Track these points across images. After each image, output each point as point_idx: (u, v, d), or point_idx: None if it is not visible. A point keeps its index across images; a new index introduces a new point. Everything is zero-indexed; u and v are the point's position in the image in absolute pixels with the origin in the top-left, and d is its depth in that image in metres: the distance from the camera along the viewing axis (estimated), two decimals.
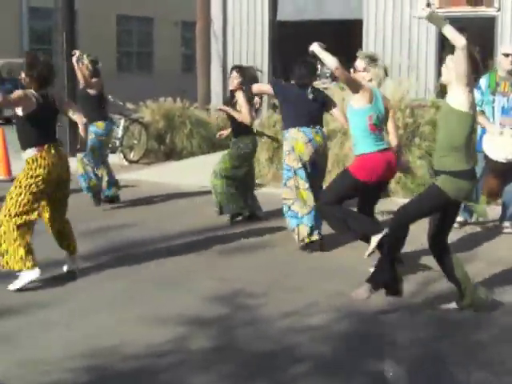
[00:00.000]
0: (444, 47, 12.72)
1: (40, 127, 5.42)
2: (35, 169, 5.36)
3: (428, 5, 5.12)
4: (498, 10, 12.52)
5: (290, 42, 14.69)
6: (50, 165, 5.39)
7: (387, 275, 4.82)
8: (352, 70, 5.64)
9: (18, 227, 5.35)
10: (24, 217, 5.37)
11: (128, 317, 4.83)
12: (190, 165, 11.23)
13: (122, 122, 11.77)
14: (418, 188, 8.68)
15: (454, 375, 4.06)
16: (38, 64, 5.47)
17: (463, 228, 7.27)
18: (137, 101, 12.53)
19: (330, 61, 5.40)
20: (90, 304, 5.09)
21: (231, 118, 7.45)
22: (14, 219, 5.36)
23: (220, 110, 8.03)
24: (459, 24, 12.24)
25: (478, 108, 6.71)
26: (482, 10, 12.68)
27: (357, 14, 13.54)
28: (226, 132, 7.91)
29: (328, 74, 14.52)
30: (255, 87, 6.92)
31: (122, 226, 7.43)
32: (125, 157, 11.60)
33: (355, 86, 5.45)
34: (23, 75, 5.49)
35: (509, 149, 6.45)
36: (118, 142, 11.46)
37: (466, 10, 12.77)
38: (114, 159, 11.38)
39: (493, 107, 6.83)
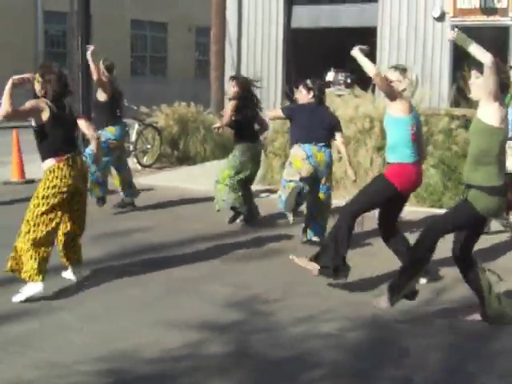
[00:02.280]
0: (458, 56, 12.72)
1: (57, 137, 5.36)
2: (52, 179, 5.33)
3: (454, 28, 5.12)
4: None
5: (304, 50, 14.74)
6: (67, 176, 5.35)
7: (408, 287, 4.90)
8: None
9: (34, 238, 5.32)
10: (40, 228, 5.33)
11: (142, 322, 4.86)
12: (203, 170, 11.27)
13: (136, 126, 11.82)
14: (430, 196, 8.69)
15: None
16: (53, 74, 5.39)
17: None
18: (150, 106, 12.59)
19: (369, 67, 5.46)
20: (104, 308, 5.12)
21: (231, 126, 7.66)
22: (31, 229, 5.34)
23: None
24: (474, 33, 12.22)
25: None
26: (497, 20, 12.67)
27: (371, 21, 13.55)
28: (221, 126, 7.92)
29: (342, 81, 14.55)
30: (270, 114, 7.49)
31: (134, 230, 7.46)
32: (138, 161, 11.65)
33: (393, 94, 5.48)
34: (38, 86, 5.38)
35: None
36: (131, 147, 11.52)
37: (480, 20, 12.76)
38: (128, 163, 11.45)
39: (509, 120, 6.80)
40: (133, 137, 11.68)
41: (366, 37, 13.89)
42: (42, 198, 5.34)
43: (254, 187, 9.54)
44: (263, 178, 10.03)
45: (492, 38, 13.11)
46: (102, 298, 5.35)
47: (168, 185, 10.11)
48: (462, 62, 11.54)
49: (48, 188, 5.34)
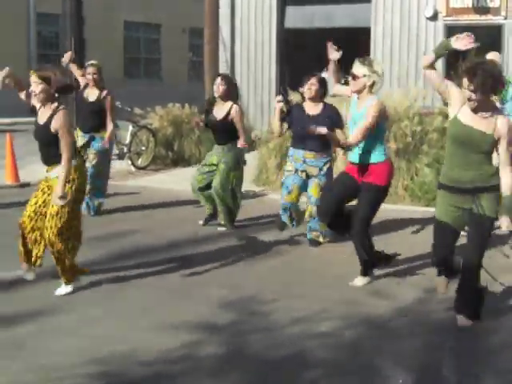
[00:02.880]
0: (452, 55, 12.75)
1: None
2: (78, 177, 5.39)
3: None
4: (505, 18, 12.55)
5: (297, 50, 14.76)
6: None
7: (478, 302, 4.87)
8: (351, 78, 5.64)
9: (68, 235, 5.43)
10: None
11: (139, 324, 4.86)
12: None
13: (130, 128, 11.81)
14: (425, 195, 8.71)
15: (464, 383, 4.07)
16: (56, 79, 5.37)
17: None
18: (144, 107, 12.57)
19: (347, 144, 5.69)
20: (100, 311, 5.12)
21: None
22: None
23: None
24: (467, 31, 12.20)
25: None
26: (489, 19, 12.72)
27: (365, 22, 13.58)
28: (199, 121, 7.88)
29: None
30: None
31: (129, 233, 7.45)
32: (132, 163, 11.64)
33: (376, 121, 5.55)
34: (39, 91, 5.31)
35: None
36: (125, 149, 11.50)
37: (472, 19, 12.81)
38: (122, 165, 11.45)
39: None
40: (127, 139, 11.67)
41: (360, 37, 13.95)
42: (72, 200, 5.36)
43: (249, 187, 9.57)
44: (257, 178, 10.03)
45: (485, 37, 13.13)
46: (97, 301, 5.34)
47: (163, 187, 10.10)
48: (455, 61, 11.59)
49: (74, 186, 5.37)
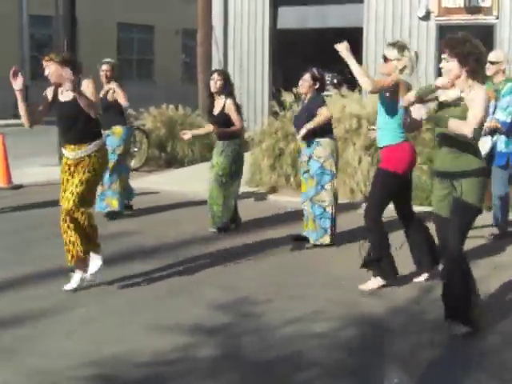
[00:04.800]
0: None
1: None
2: (103, 157, 5.58)
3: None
4: (497, 17, 12.60)
5: (290, 50, 14.77)
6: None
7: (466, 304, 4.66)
8: (382, 60, 5.66)
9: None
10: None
11: (133, 326, 4.85)
12: (191, 172, 11.26)
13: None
14: (419, 194, 8.71)
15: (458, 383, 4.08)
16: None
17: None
18: (137, 108, 12.56)
19: (357, 73, 5.35)
20: (94, 313, 5.11)
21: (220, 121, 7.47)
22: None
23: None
24: (458, 32, 12.24)
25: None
26: (481, 18, 12.75)
27: (357, 22, 13.61)
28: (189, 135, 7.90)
29: (328, 82, 14.57)
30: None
31: (123, 234, 7.44)
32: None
33: (389, 88, 5.42)
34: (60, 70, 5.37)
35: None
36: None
37: (465, 18, 12.85)
38: None
39: None
40: None
41: (352, 37, 13.97)
42: (99, 175, 5.58)
43: (242, 188, 9.56)
44: (251, 179, 10.03)
45: (477, 37, 13.15)
46: (91, 302, 5.33)
47: (156, 188, 10.09)
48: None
49: (100, 166, 5.54)
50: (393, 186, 5.58)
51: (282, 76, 15.02)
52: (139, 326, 4.81)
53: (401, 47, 5.55)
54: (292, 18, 14.35)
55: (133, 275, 5.97)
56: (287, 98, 10.53)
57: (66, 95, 5.48)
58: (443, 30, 13.15)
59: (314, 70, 6.90)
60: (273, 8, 14.29)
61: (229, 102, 7.42)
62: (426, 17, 13.00)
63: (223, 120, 7.43)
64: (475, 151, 4.62)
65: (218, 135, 7.59)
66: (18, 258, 6.49)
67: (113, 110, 8.18)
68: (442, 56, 4.66)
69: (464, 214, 4.58)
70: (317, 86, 6.85)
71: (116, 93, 8.27)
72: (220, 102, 7.48)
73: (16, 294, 5.50)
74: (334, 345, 4.54)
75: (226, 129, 7.46)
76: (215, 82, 7.43)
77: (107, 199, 8.20)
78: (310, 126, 6.63)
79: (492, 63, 6.85)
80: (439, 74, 13.54)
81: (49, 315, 5.03)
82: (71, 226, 5.42)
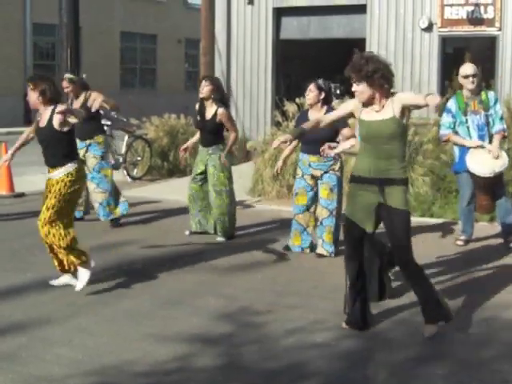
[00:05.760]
0: (447, 66, 12.81)
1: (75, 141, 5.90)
2: (75, 181, 5.68)
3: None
4: (499, 29, 12.61)
5: (293, 61, 14.80)
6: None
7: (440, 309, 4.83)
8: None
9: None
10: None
11: (133, 335, 4.84)
12: None
13: (126, 138, 11.81)
14: (420, 205, 8.72)
15: None
16: (48, 82, 5.71)
17: (467, 245, 7.31)
18: (140, 117, 12.59)
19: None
20: (93, 322, 5.09)
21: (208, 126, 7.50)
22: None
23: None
24: (461, 43, 12.31)
25: (450, 130, 6.95)
26: (484, 30, 12.77)
27: (360, 33, 13.64)
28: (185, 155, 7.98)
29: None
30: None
31: (124, 243, 7.43)
32: (128, 173, 11.63)
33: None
34: (34, 94, 5.65)
35: (490, 162, 6.72)
36: (121, 159, 11.50)
37: (467, 30, 12.87)
38: (118, 176, 11.44)
39: (467, 127, 6.99)
40: (123, 149, 11.67)
41: (355, 48, 14.01)
42: (66, 200, 5.63)
43: (244, 198, 9.56)
44: (253, 189, 10.03)
45: (479, 48, 13.23)
46: (91, 311, 5.32)
47: (158, 197, 10.09)
48: (450, 72, 11.64)
49: (71, 188, 5.64)
50: None
51: (285, 86, 15.06)
52: (139, 336, 4.80)
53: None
54: (295, 28, 14.39)
55: (131, 285, 5.96)
56: (290, 108, 10.55)
57: (42, 121, 5.73)
58: (446, 42, 13.19)
59: (320, 81, 6.85)
60: (276, 18, 14.33)
61: (221, 110, 7.43)
62: (429, 28, 13.03)
63: (214, 126, 7.47)
64: (404, 162, 4.76)
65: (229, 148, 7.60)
66: (18, 265, 6.48)
67: (93, 119, 8.15)
68: (353, 80, 4.75)
69: (402, 220, 4.71)
70: (322, 97, 6.78)
71: (96, 100, 8.05)
72: (211, 109, 7.49)
73: (16, 300, 5.50)
74: (334, 355, 4.52)
75: (230, 142, 7.57)
76: (202, 88, 7.46)
77: (109, 207, 8.20)
78: (338, 150, 6.18)
79: (474, 76, 6.93)
80: (442, 84, 13.55)
81: (48, 323, 5.02)
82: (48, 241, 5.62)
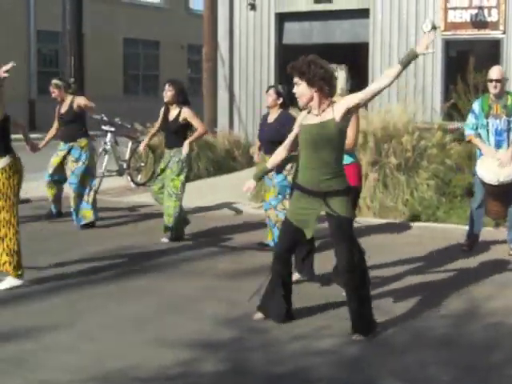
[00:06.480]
0: (450, 69, 12.78)
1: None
2: (15, 173, 5.88)
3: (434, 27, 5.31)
4: (504, 32, 12.57)
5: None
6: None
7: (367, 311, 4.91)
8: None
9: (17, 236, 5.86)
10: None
11: (137, 340, 4.81)
12: (196, 187, 11.23)
13: (130, 144, 11.81)
14: (424, 210, 8.68)
15: None
16: None
17: (472, 250, 7.28)
18: (143, 123, 12.58)
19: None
20: (97, 327, 5.07)
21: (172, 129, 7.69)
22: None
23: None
24: (465, 47, 12.28)
25: (473, 132, 6.92)
26: (488, 33, 12.74)
27: (363, 37, 13.62)
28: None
29: None
30: None
31: (125, 248, 7.41)
32: (132, 179, 11.62)
33: None
34: None
35: (496, 171, 6.67)
36: (125, 165, 11.49)
37: (471, 33, 12.83)
38: (121, 182, 11.44)
39: (487, 130, 6.96)
40: (126, 155, 11.66)
41: (358, 52, 13.99)
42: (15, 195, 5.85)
43: (247, 203, 9.53)
44: (256, 195, 9.99)
45: (483, 52, 13.19)
46: (95, 316, 5.30)
47: None
48: (454, 76, 11.61)
49: (16, 182, 5.86)
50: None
51: (288, 91, 15.03)
52: (141, 342, 4.77)
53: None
54: (297, 33, 14.38)
55: (134, 290, 5.94)
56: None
57: None
58: (449, 45, 13.16)
59: (279, 87, 7.32)
60: (278, 24, 14.33)
61: (185, 109, 7.64)
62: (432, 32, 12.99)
63: (176, 127, 7.66)
64: (341, 170, 4.80)
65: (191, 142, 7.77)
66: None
67: (76, 123, 8.50)
68: (294, 81, 4.82)
69: (346, 228, 4.77)
70: (280, 101, 7.13)
71: (79, 104, 8.49)
72: (174, 111, 7.68)
73: (19, 307, 5.48)
74: (340, 361, 4.49)
75: (196, 134, 7.76)
76: (166, 92, 7.69)
77: (82, 212, 8.33)
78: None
79: (497, 81, 6.87)
80: (446, 88, 13.49)
81: (51, 329, 4.99)
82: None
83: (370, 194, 8.94)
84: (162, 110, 7.85)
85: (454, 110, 10.87)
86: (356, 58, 13.77)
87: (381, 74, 12.90)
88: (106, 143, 11.27)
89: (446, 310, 5.43)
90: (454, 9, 12.83)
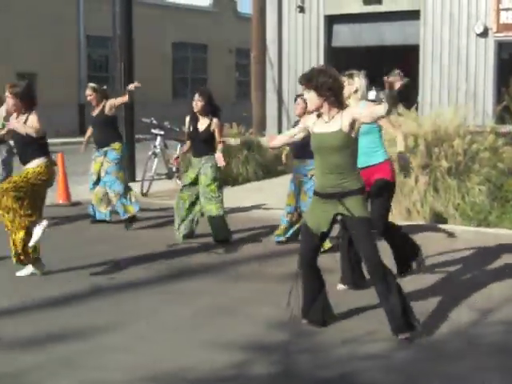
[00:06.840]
0: (503, 72, 12.56)
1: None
2: (44, 174, 6.30)
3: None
4: None
5: (345, 69, 14.70)
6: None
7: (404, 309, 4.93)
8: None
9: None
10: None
11: (188, 342, 4.85)
12: (245, 190, 11.27)
13: (179, 147, 11.90)
14: (476, 215, 8.53)
15: None
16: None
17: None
18: None
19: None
20: (149, 329, 5.13)
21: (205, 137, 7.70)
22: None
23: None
24: None
25: None
26: None
27: (413, 39, 13.49)
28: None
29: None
30: None
31: (176, 251, 7.46)
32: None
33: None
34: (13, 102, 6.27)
35: None
36: (174, 168, 11.59)
37: None
38: (170, 185, 11.54)
39: None
40: None
41: (409, 55, 13.85)
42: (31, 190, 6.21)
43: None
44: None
45: None
46: (146, 318, 5.36)
47: None
48: (506, 78, 11.40)
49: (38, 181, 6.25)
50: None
51: None
52: (194, 343, 4.81)
53: (349, 75, 6.14)
54: (347, 35, 14.32)
55: (184, 292, 5.99)
56: None
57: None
58: (502, 47, 12.94)
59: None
60: (327, 26, 14.29)
61: (215, 121, 7.70)
62: (484, 34, 12.80)
63: (206, 136, 7.66)
64: (355, 172, 4.88)
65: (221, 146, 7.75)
66: (71, 273, 6.56)
67: (108, 127, 8.75)
68: (303, 88, 4.93)
69: (367, 227, 4.84)
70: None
71: (111, 104, 8.76)
72: (205, 121, 7.70)
73: (73, 308, 5.58)
74: (389, 366, 4.45)
75: (219, 148, 7.68)
76: (196, 103, 7.67)
77: (123, 207, 8.57)
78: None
79: None
80: (498, 91, 13.29)
81: (104, 330, 5.08)
82: None
83: (421, 197, 8.82)
84: (188, 119, 7.87)
85: (507, 113, 10.66)
86: (406, 61, 13.63)
87: (432, 76, 12.78)
88: (155, 146, 11.39)
89: (498, 316, 5.32)
90: (506, 10, 12.61)
